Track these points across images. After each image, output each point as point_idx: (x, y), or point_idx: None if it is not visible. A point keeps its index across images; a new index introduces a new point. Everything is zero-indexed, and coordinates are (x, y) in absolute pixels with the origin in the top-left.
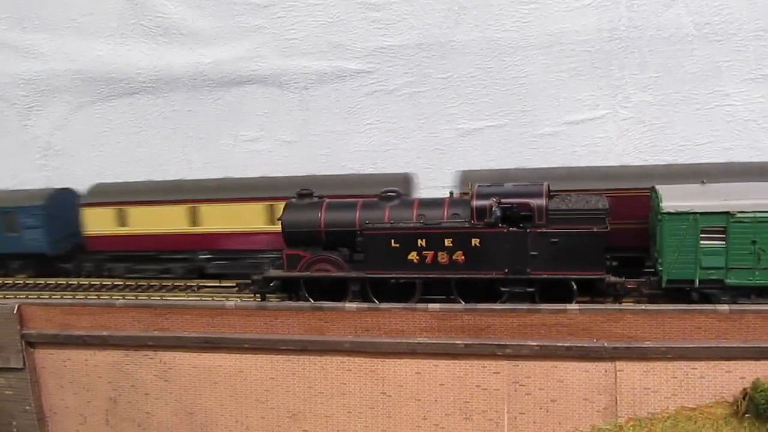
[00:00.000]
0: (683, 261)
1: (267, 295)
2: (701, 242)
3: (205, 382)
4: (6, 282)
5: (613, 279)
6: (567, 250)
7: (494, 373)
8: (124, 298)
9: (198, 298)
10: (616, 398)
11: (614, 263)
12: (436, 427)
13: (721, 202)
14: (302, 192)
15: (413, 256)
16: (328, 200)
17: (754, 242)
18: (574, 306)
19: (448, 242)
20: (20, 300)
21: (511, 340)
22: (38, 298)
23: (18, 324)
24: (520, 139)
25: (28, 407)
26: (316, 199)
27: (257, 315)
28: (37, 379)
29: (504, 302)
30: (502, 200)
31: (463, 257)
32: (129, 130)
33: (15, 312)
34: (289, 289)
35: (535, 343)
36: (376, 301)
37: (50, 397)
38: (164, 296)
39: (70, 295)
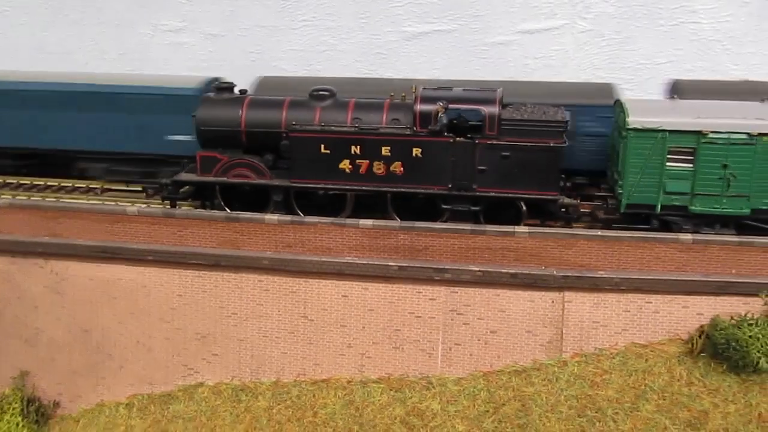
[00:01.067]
0: (646, 184)
1: (177, 202)
2: (667, 164)
3: (102, 297)
4: None
5: (566, 201)
6: (519, 166)
7: (430, 299)
8: (13, 198)
9: (100, 202)
10: (561, 331)
11: (568, 184)
12: (362, 356)
13: (693, 120)
14: (221, 85)
15: (345, 164)
16: (251, 96)
17: (724, 166)
18: (523, 229)
19: (385, 151)
20: None
21: (450, 264)
22: None
23: None
24: (470, 47)
25: None
26: (237, 94)
27: (164, 224)
28: None
29: (445, 221)
30: (450, 106)
31: (401, 169)
32: (32, 11)
33: None
34: (203, 196)
35: (477, 269)
36: (300, 214)
37: None
38: (61, 198)
39: None
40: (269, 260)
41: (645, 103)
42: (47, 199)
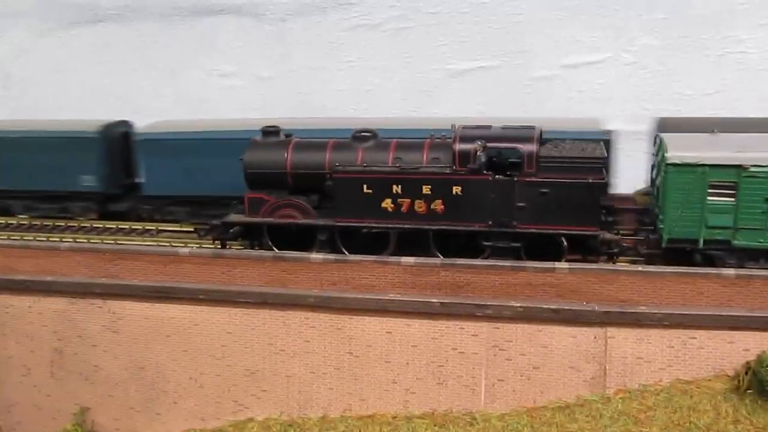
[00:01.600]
0: (687, 218)
1: (228, 243)
2: (708, 198)
3: (156, 335)
4: None
5: (608, 236)
6: (558, 202)
7: (472, 335)
8: (75, 241)
9: (155, 243)
10: (605, 367)
11: (609, 218)
12: (407, 391)
13: (733, 153)
14: (267, 129)
15: (387, 203)
16: (296, 139)
17: (767, 200)
18: (563, 265)
19: (426, 189)
20: None
21: (492, 300)
22: None
23: None
24: (513, 83)
25: None
26: (282, 138)
27: (214, 264)
28: None
29: (486, 258)
30: (489, 144)
31: (442, 207)
32: (94, 60)
33: None
34: (252, 236)
35: (518, 304)
36: (345, 252)
37: None
38: (118, 240)
39: (17, 235)
40: (315, 298)
41: (685, 138)
42: (105, 241)
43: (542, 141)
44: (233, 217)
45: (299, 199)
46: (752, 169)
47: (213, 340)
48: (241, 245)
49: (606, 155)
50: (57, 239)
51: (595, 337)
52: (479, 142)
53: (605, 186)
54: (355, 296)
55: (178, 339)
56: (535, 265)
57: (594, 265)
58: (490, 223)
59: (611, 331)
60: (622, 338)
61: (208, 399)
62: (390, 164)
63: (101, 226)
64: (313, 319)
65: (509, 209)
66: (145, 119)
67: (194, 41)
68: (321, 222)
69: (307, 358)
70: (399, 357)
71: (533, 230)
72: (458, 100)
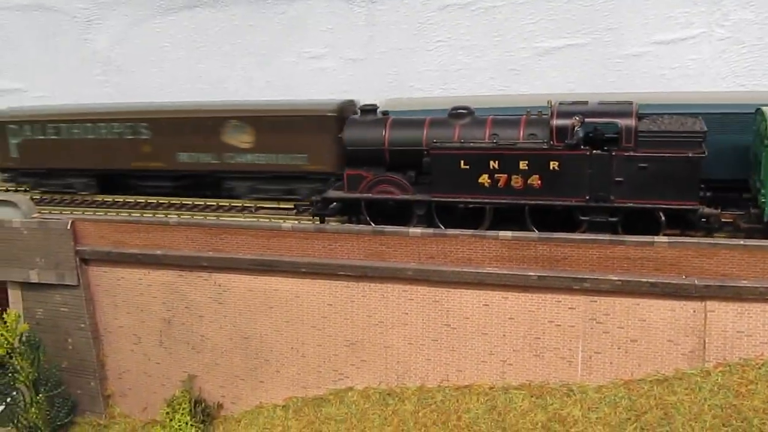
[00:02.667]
0: None
1: (327, 218)
2: None
3: (260, 306)
4: (64, 198)
5: (707, 210)
6: (657, 177)
7: (569, 308)
8: (178, 217)
9: (255, 219)
10: (704, 341)
11: (708, 193)
12: (503, 363)
13: None
14: (365, 107)
15: (484, 179)
16: (393, 117)
17: None
18: (662, 238)
19: (523, 165)
20: (75, 216)
21: (589, 274)
22: (94, 214)
23: (72, 240)
24: (603, 60)
25: (83, 325)
26: (380, 116)
27: (315, 238)
28: (91, 296)
29: (583, 233)
30: (586, 119)
31: (539, 182)
32: (189, 45)
33: (69, 228)
34: (350, 211)
35: (616, 278)
36: (441, 227)
37: (104, 315)
38: (220, 216)
39: (125, 212)
40: (413, 271)
41: None
42: (207, 217)
43: (640, 116)
44: (332, 194)
45: (396, 176)
46: None
47: (314, 312)
48: (339, 220)
49: (705, 129)
50: (163, 215)
51: (695, 311)
52: (577, 117)
53: (699, 161)
54: (453, 269)
55: (280, 310)
56: (634, 239)
57: (693, 239)
58: (588, 197)
59: (711, 304)
60: (722, 312)
61: (310, 368)
62: (487, 140)
63: (202, 203)
64: (411, 292)
65: (607, 184)
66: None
67: (285, 25)
68: (418, 197)
69: (405, 329)
70: (496, 329)
71: (631, 205)
72: (547, 78)
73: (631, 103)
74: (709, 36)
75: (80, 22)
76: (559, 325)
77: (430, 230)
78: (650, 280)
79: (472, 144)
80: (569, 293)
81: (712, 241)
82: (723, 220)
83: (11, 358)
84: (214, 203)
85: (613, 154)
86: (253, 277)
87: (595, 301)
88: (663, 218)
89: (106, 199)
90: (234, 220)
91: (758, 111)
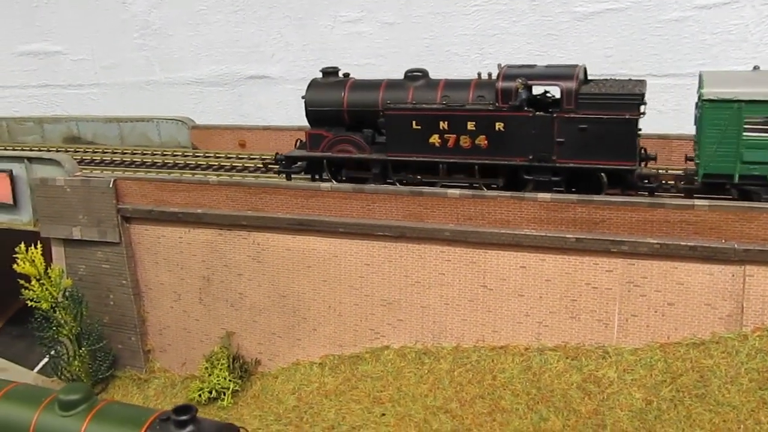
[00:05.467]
0: (723, 154)
1: (292, 176)
2: (744, 134)
3: (298, 266)
4: (104, 158)
5: (645, 171)
6: (596, 138)
7: (607, 271)
8: (218, 177)
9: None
10: (742, 305)
11: (651, 154)
12: (539, 324)
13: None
14: (326, 70)
15: (435, 139)
16: (353, 79)
17: None
18: (702, 202)
19: (470, 126)
20: (116, 174)
21: (628, 237)
22: (134, 173)
23: (114, 198)
24: (643, 25)
25: (124, 281)
26: (341, 77)
27: (354, 198)
28: (132, 254)
29: (530, 191)
30: (529, 82)
31: (486, 142)
32: (226, 9)
33: (111, 186)
34: (314, 169)
35: (654, 241)
36: (397, 184)
37: (145, 272)
38: (258, 176)
39: (166, 172)
40: (451, 232)
41: (724, 75)
42: (246, 177)
43: (586, 80)
44: (296, 152)
45: (355, 136)
46: None
47: (351, 271)
48: (305, 178)
49: (643, 92)
50: (202, 175)
51: (733, 275)
52: (519, 80)
53: (635, 124)
54: (491, 231)
55: (318, 270)
56: (673, 203)
57: (735, 203)
58: (531, 157)
59: (750, 269)
60: (762, 276)
61: (346, 327)
62: (438, 102)
63: (240, 165)
64: (449, 253)
65: (549, 145)
66: (270, 68)
67: None
68: (374, 156)
69: (442, 289)
70: (532, 291)
71: (572, 165)
72: (585, 43)
73: (575, 66)
74: (752, 0)
75: None
76: (596, 288)
77: (469, 192)
78: (689, 244)
79: (423, 105)
80: (607, 256)
81: (753, 206)
82: (662, 180)
83: (55, 312)
84: (252, 164)
85: (555, 115)
86: (292, 236)
87: (633, 264)
88: (605, 178)
89: (145, 160)
90: (272, 180)
91: (699, 75)
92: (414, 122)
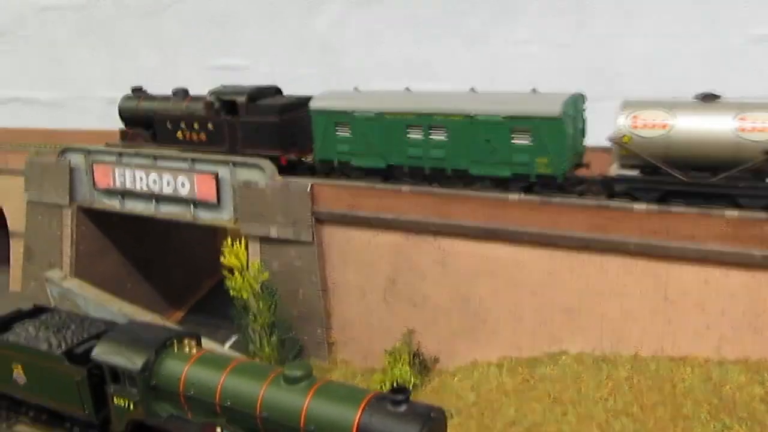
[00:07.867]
0: (327, 146)
1: None
2: (336, 132)
3: (481, 271)
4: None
5: (293, 157)
6: (257, 134)
7: None
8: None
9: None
10: None
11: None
12: (720, 338)
13: (345, 103)
14: (134, 88)
15: (180, 134)
16: (146, 94)
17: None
18: None
19: (196, 125)
20: (313, 180)
21: None
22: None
23: (310, 202)
24: None
25: (314, 278)
26: (145, 93)
27: (540, 210)
28: (323, 253)
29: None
30: (221, 96)
31: (205, 137)
32: (400, 28)
33: (308, 191)
34: None
35: None
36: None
37: (333, 271)
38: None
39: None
40: (635, 245)
41: (333, 94)
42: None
43: (254, 96)
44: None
45: (144, 132)
46: (356, 114)
47: (533, 279)
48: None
49: (285, 102)
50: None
51: None
52: (210, 96)
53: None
54: (676, 245)
55: (501, 276)
56: None
57: None
58: (228, 147)
59: None
60: None
61: (525, 331)
62: (182, 109)
63: None
64: (631, 265)
65: (236, 138)
66: (439, 85)
67: (494, 8)
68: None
69: (622, 300)
70: (714, 305)
71: (249, 152)
72: (760, 65)
73: (247, 87)
74: None
75: (303, 5)
76: None
77: (655, 206)
78: None
79: (170, 112)
80: None
81: None
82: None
83: (254, 302)
84: None
85: (235, 119)
86: (477, 243)
87: None
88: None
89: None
90: (460, 190)
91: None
92: (168, 122)
